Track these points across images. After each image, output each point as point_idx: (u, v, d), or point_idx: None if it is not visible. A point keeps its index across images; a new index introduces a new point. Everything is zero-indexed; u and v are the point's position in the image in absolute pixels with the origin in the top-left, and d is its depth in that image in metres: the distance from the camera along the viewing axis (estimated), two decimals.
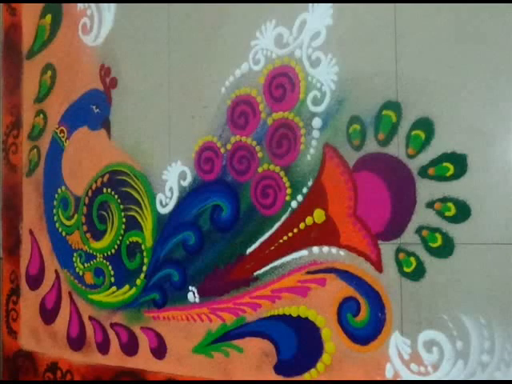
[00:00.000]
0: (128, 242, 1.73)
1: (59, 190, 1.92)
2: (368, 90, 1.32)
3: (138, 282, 1.70)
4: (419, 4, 1.26)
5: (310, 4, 1.40)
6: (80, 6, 1.88)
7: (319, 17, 1.39)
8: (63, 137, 1.91)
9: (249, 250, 1.48)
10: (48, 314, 1.95)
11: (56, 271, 1.93)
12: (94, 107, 1.83)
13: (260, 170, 1.47)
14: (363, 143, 1.32)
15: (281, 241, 1.43)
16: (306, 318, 1.39)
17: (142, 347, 1.69)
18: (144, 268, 1.69)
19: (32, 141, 2.01)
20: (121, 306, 1.75)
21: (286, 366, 1.43)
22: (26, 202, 2.03)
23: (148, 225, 1.69)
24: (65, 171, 1.91)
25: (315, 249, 1.38)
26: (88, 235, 1.84)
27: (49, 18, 1.97)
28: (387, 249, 1.29)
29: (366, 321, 1.31)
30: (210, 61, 1.58)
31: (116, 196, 1.77)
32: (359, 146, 1.33)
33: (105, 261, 1.79)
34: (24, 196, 2.03)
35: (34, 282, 1.99)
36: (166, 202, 1.65)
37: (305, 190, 1.40)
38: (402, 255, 1.27)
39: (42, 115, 1.98)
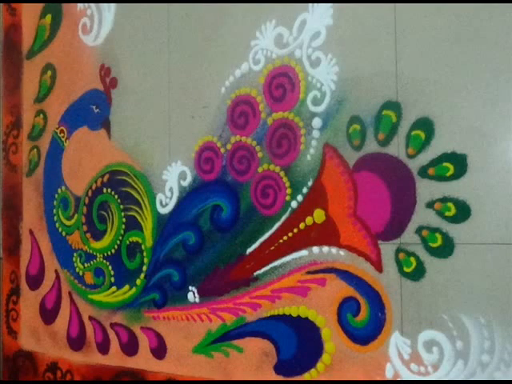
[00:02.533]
0: (128, 242, 1.73)
1: (59, 190, 1.92)
2: (368, 90, 1.32)
3: (138, 281, 1.70)
4: (419, 4, 1.26)
5: (310, 4, 1.40)
6: (80, 5, 1.88)
7: (319, 17, 1.39)
8: (63, 137, 1.91)
9: (249, 250, 1.48)
10: (48, 314, 1.95)
11: (56, 271, 1.93)
12: (94, 107, 1.83)
13: (260, 169, 1.47)
14: (363, 143, 1.32)
15: (281, 241, 1.43)
16: (306, 318, 1.39)
17: (142, 347, 1.69)
18: (144, 268, 1.69)
19: (32, 141, 2.01)
20: (121, 306, 1.75)
21: (286, 366, 1.43)
22: (26, 202, 2.03)
23: (148, 225, 1.69)
24: (65, 171, 1.91)
25: (315, 249, 1.38)
26: (88, 235, 1.84)
27: (49, 18, 1.97)
28: (387, 249, 1.29)
29: (366, 321, 1.31)
30: (209, 61, 1.58)
31: (116, 196, 1.77)
32: (359, 146, 1.33)
33: (105, 261, 1.79)
34: (24, 196, 2.03)
35: (34, 282, 1.99)
36: (166, 201, 1.65)
37: (305, 190, 1.40)
38: (402, 255, 1.27)
39: (41, 115, 1.98)
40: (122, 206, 1.75)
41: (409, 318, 1.26)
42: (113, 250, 1.77)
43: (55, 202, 1.94)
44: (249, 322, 1.49)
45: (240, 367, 1.50)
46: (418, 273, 1.25)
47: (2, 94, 2.11)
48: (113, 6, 1.79)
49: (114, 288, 1.76)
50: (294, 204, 1.42)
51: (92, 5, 1.85)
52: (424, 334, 1.24)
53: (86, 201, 1.84)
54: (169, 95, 1.65)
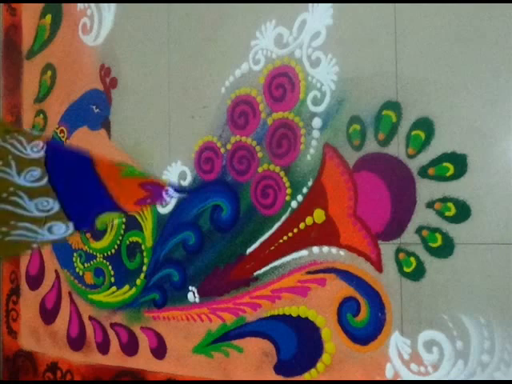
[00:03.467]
0: (128, 242, 1.73)
1: None
2: (368, 90, 1.32)
3: (138, 281, 1.70)
4: (419, 4, 1.26)
5: (310, 4, 1.40)
6: (80, 5, 1.88)
7: (319, 17, 1.39)
8: (63, 137, 1.91)
9: (249, 250, 1.48)
10: (48, 314, 1.95)
11: (56, 271, 1.93)
12: (93, 107, 1.83)
13: (260, 169, 1.47)
14: (363, 143, 1.32)
15: (281, 241, 1.43)
16: (306, 318, 1.39)
17: (142, 347, 1.69)
18: (144, 268, 1.69)
19: None
20: (121, 306, 1.75)
21: (286, 366, 1.43)
22: None
23: (148, 225, 1.69)
24: None
25: (315, 249, 1.38)
26: (88, 235, 1.84)
27: (49, 18, 1.97)
28: (387, 249, 1.29)
29: (365, 321, 1.31)
30: (209, 61, 1.58)
31: None
32: (359, 146, 1.33)
33: (105, 261, 1.79)
34: None
35: (34, 281, 1.99)
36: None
37: (305, 190, 1.40)
38: (402, 255, 1.27)
39: (41, 115, 1.98)
40: None
41: (409, 318, 1.26)
42: (113, 250, 1.77)
43: None
44: (249, 322, 1.49)
45: (240, 367, 1.50)
46: (418, 273, 1.25)
47: (2, 93, 2.11)
48: (113, 6, 1.79)
49: (114, 288, 1.76)
50: (294, 204, 1.41)
51: (92, 5, 1.85)
52: (424, 334, 1.24)
53: None
54: (169, 95, 1.65)
